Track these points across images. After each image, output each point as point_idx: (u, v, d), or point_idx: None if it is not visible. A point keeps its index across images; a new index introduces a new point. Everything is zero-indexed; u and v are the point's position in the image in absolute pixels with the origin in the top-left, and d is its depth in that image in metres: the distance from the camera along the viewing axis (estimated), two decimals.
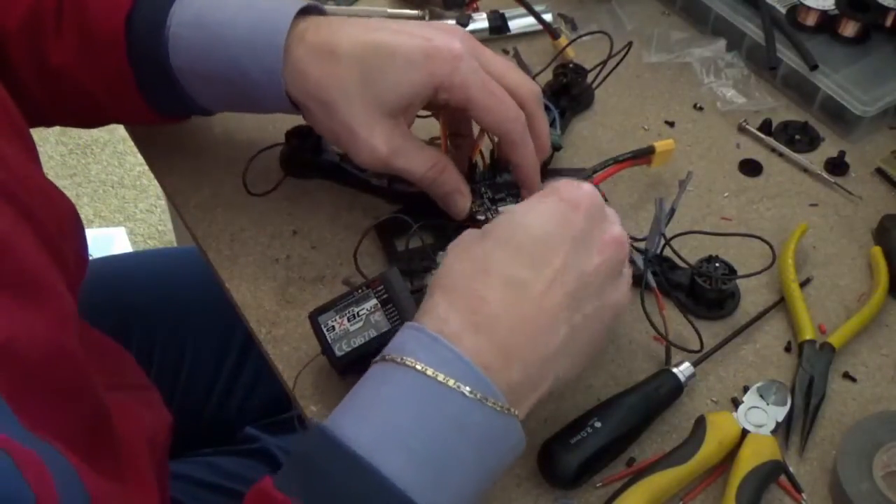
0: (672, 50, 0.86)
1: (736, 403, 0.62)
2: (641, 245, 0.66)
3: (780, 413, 0.60)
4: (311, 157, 0.73)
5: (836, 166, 0.77)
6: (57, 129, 1.33)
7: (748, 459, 0.57)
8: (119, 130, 0.76)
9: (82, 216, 2.14)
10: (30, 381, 0.45)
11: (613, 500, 0.56)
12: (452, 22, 0.85)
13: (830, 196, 0.76)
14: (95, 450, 0.51)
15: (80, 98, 0.66)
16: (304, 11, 0.62)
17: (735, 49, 0.85)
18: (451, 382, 0.48)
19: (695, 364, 0.62)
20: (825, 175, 0.76)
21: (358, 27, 0.61)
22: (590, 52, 0.83)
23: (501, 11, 0.86)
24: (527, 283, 0.51)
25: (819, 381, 0.63)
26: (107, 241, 1.90)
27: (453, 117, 0.66)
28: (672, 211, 0.66)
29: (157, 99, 0.66)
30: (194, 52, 0.62)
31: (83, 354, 0.52)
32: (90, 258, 0.66)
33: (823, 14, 0.83)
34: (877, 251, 0.70)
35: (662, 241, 0.67)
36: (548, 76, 0.81)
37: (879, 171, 0.77)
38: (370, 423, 0.48)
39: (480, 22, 0.86)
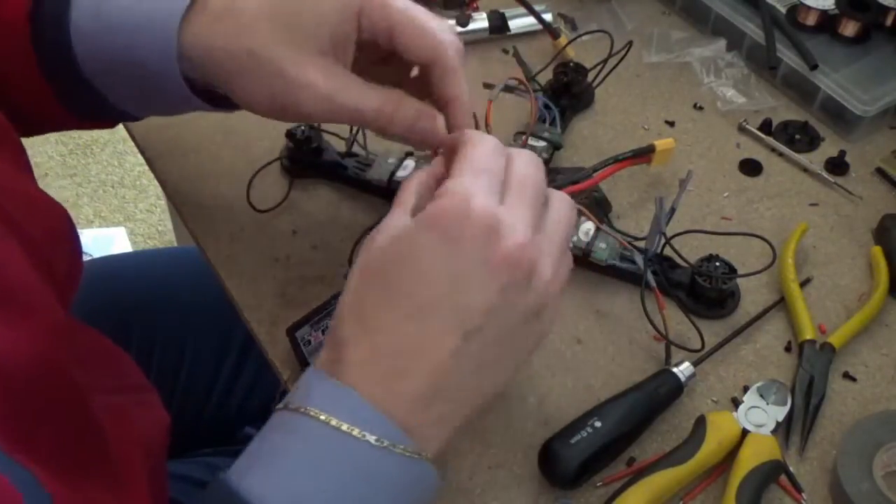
0: (672, 50, 0.86)
1: (736, 403, 0.62)
2: (642, 244, 0.66)
3: (780, 413, 0.60)
4: (312, 158, 0.73)
5: (837, 166, 0.77)
6: None
7: (748, 459, 0.57)
8: (119, 130, 0.76)
9: (82, 216, 2.13)
10: (15, 399, 0.45)
11: (613, 500, 0.56)
12: (452, 21, 0.85)
13: (830, 196, 0.76)
14: (82, 464, 0.51)
15: None
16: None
17: (735, 49, 0.85)
18: (355, 432, 0.46)
19: (695, 364, 0.62)
20: (825, 175, 0.76)
21: None
22: (590, 51, 0.83)
23: (501, 11, 0.86)
24: (410, 333, 0.47)
25: (819, 381, 0.63)
26: (107, 241, 1.91)
27: (374, 61, 0.61)
28: (672, 210, 0.66)
29: (68, 97, 0.62)
30: (95, 41, 0.58)
31: (73, 366, 0.51)
32: (91, 258, 0.65)
33: (823, 14, 0.83)
34: (877, 251, 0.70)
35: (663, 241, 0.67)
36: (548, 76, 0.81)
37: (879, 171, 0.77)
38: (277, 479, 0.46)
39: (480, 22, 0.86)
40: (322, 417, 0.46)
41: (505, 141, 0.73)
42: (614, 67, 0.80)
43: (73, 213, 0.62)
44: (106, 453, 0.55)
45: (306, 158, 0.73)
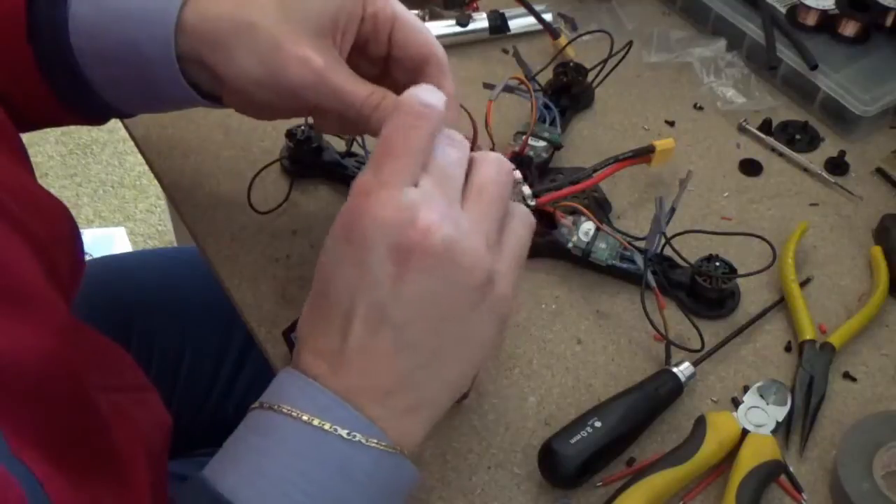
0: (672, 49, 0.86)
1: (736, 403, 0.62)
2: (641, 244, 0.66)
3: (780, 413, 0.60)
4: (312, 158, 0.73)
5: (837, 166, 0.77)
6: (57, 129, 1.33)
7: (748, 459, 0.57)
8: (119, 130, 0.76)
9: (82, 216, 2.13)
10: (22, 396, 0.45)
11: (613, 500, 0.56)
12: (452, 21, 0.85)
13: (830, 196, 0.76)
14: (87, 462, 0.51)
15: None
16: None
17: (735, 49, 0.85)
18: (327, 426, 0.46)
19: (695, 364, 0.62)
20: (825, 175, 0.76)
21: None
22: (590, 51, 0.83)
23: (501, 11, 0.86)
24: (340, 333, 0.47)
25: (819, 381, 0.63)
26: (107, 241, 1.91)
27: (371, 48, 0.61)
28: (672, 210, 0.66)
29: (62, 90, 0.61)
30: (92, 30, 0.58)
31: (78, 362, 0.51)
32: (91, 258, 0.65)
33: (823, 14, 0.83)
34: (877, 251, 0.70)
35: (663, 240, 0.67)
36: (548, 75, 0.81)
37: (879, 171, 0.77)
38: (255, 477, 0.46)
39: (480, 22, 0.86)
40: (294, 414, 0.46)
41: (505, 141, 0.74)
42: (614, 67, 0.80)
43: (73, 213, 0.62)
44: (111, 452, 0.55)
45: (306, 158, 0.73)
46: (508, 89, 0.73)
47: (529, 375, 0.64)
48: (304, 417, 0.46)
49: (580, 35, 0.84)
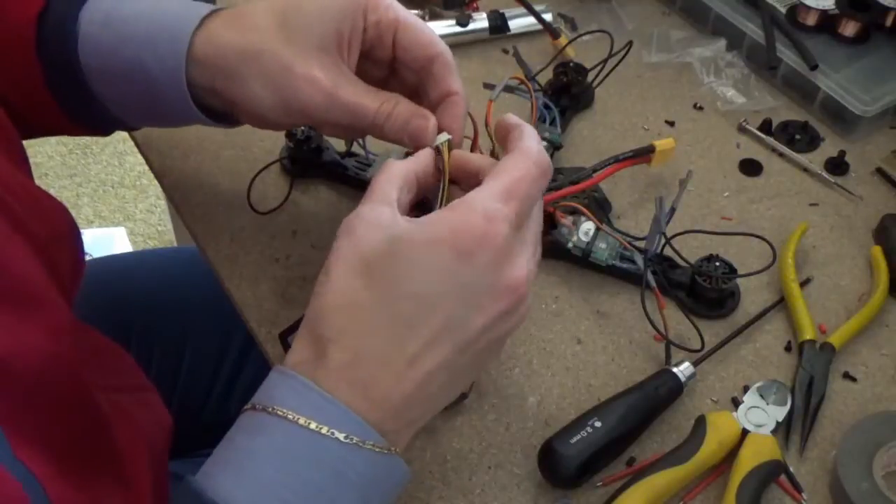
0: (672, 50, 0.86)
1: (736, 403, 0.62)
2: (641, 244, 0.66)
3: (780, 413, 0.60)
4: (312, 158, 0.73)
5: (836, 166, 0.77)
6: None
7: (748, 459, 0.57)
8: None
9: (82, 216, 2.12)
10: (25, 397, 0.45)
11: (613, 500, 0.56)
12: (452, 21, 0.85)
13: (830, 196, 0.76)
14: (89, 462, 0.51)
15: None
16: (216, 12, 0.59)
17: (735, 49, 0.85)
18: (324, 430, 0.46)
19: (695, 364, 0.62)
20: (825, 175, 0.76)
21: None
22: (590, 51, 0.83)
23: (501, 11, 0.86)
24: (403, 341, 0.47)
25: (819, 381, 0.63)
26: (107, 241, 1.90)
27: (378, 52, 0.62)
28: (672, 210, 0.66)
29: (69, 103, 0.63)
30: (102, 50, 0.59)
31: (79, 362, 0.51)
32: (91, 258, 0.65)
33: (823, 14, 0.83)
34: (877, 251, 0.70)
35: (663, 240, 0.67)
36: (548, 75, 0.81)
37: (879, 171, 0.77)
38: (245, 479, 0.46)
39: (480, 22, 0.86)
40: (290, 416, 0.46)
41: None
42: (614, 67, 0.80)
43: (73, 213, 0.62)
44: (112, 452, 0.55)
45: (306, 158, 0.73)
46: (508, 89, 0.72)
47: (529, 375, 0.64)
48: (301, 421, 0.46)
49: (580, 35, 0.84)
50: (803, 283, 0.69)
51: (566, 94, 0.80)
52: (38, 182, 0.60)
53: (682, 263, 0.68)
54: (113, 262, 1.02)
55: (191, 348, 0.91)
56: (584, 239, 0.67)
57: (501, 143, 0.54)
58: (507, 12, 0.86)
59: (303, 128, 0.73)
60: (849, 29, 0.82)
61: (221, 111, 0.61)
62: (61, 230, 0.59)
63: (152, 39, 0.58)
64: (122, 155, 2.12)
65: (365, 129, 0.58)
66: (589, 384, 0.63)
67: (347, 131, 0.62)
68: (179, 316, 0.91)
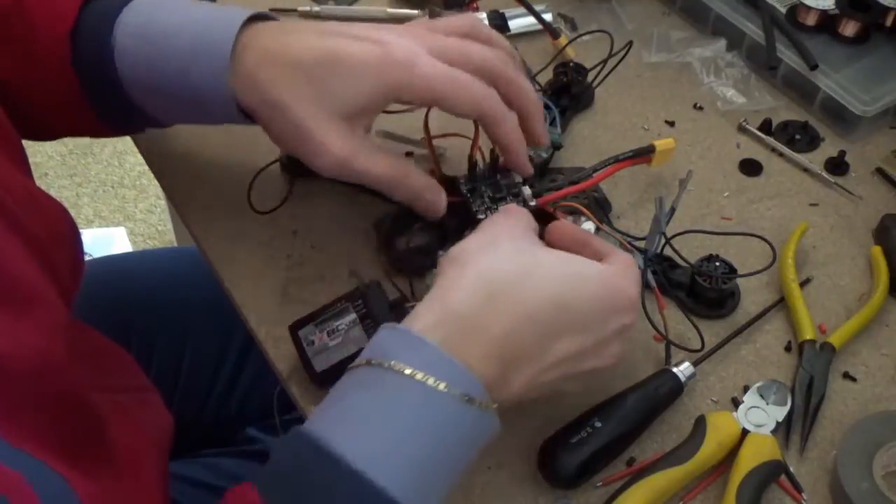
0: (672, 49, 0.86)
1: (736, 403, 0.62)
2: (641, 244, 0.66)
3: (780, 413, 0.60)
4: None
5: (836, 166, 0.77)
6: None
7: (748, 459, 0.57)
8: None
9: (82, 216, 2.12)
10: (17, 394, 0.45)
11: (613, 500, 0.56)
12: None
13: (830, 196, 0.76)
14: (86, 457, 0.51)
15: (29, 110, 0.64)
16: (253, 19, 0.61)
17: (735, 49, 0.85)
18: (441, 387, 0.47)
19: (695, 364, 0.62)
20: (825, 175, 0.76)
21: (309, 32, 0.60)
22: (590, 51, 0.83)
23: (501, 11, 0.86)
24: (548, 326, 0.52)
25: (819, 381, 0.63)
26: (107, 241, 1.90)
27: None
28: (672, 210, 0.66)
29: (105, 110, 0.64)
30: (140, 62, 0.61)
31: (72, 363, 0.51)
32: (91, 258, 0.65)
33: (823, 14, 0.83)
34: (877, 251, 0.70)
35: (663, 240, 0.67)
36: (548, 75, 0.81)
37: (879, 171, 0.77)
38: (362, 433, 0.47)
39: None
40: (407, 371, 0.47)
41: None
42: (614, 67, 0.80)
43: (73, 213, 0.62)
44: (113, 450, 0.55)
45: None
46: None
47: None
48: (418, 376, 0.47)
49: (580, 35, 0.84)
50: (803, 283, 0.69)
51: (566, 94, 0.80)
52: (38, 182, 0.60)
53: (682, 263, 0.68)
54: (113, 262, 1.02)
55: (191, 348, 0.91)
56: None
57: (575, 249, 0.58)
58: (507, 12, 0.86)
59: None
60: (849, 29, 0.82)
61: None
62: (60, 230, 0.59)
63: (194, 54, 0.59)
64: (122, 155, 2.12)
65: (377, 188, 0.62)
66: (589, 384, 0.63)
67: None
68: (179, 316, 0.91)
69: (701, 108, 0.82)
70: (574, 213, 0.68)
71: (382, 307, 0.58)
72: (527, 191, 0.66)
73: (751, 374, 0.64)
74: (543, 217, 0.65)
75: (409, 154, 0.74)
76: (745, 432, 0.59)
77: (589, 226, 0.67)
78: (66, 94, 0.63)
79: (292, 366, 0.63)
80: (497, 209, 0.65)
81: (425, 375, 0.47)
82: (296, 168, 0.74)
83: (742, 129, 0.80)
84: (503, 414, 0.60)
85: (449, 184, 0.66)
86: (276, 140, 0.62)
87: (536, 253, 0.54)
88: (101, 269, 0.93)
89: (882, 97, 0.78)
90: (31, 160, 0.62)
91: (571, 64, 0.82)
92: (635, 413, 0.60)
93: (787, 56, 0.81)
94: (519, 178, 0.66)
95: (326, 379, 0.59)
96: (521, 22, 0.87)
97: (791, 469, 0.59)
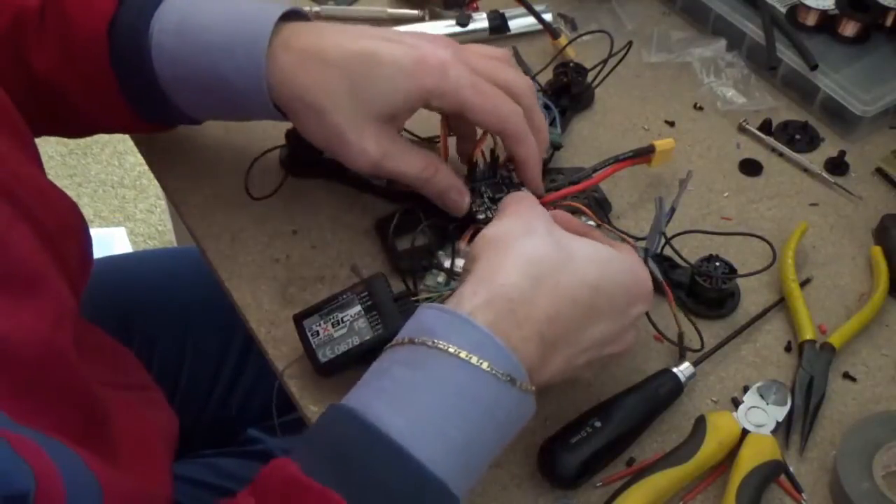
0: (672, 50, 0.86)
1: (736, 403, 0.62)
2: (642, 244, 0.66)
3: (780, 413, 0.60)
4: (311, 157, 0.73)
5: (836, 166, 0.77)
6: None
7: (748, 459, 0.57)
8: None
9: None
10: (22, 379, 0.45)
11: (613, 500, 0.56)
12: (452, 21, 0.85)
13: (830, 196, 0.76)
14: (97, 445, 0.51)
15: (64, 105, 0.65)
16: (286, 17, 0.62)
17: (735, 49, 0.85)
18: (485, 366, 0.48)
19: (695, 364, 0.62)
20: (825, 175, 0.76)
21: (344, 34, 0.61)
22: (590, 51, 0.83)
23: (501, 11, 0.86)
24: (586, 310, 0.53)
25: (819, 381, 0.63)
26: (107, 241, 1.90)
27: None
28: (672, 210, 0.66)
29: (142, 106, 0.66)
30: (176, 59, 0.62)
31: (77, 353, 0.51)
32: None
33: (823, 14, 0.83)
34: (877, 251, 0.70)
35: (663, 241, 0.67)
36: (548, 76, 0.81)
37: (879, 171, 0.77)
38: (407, 409, 0.48)
39: (480, 22, 0.86)
40: (451, 350, 0.48)
41: None
42: (614, 67, 0.80)
43: None
44: (118, 441, 0.55)
45: (306, 158, 0.73)
46: None
47: None
48: (462, 355, 0.48)
49: (580, 35, 0.84)
50: (803, 283, 0.69)
51: (566, 95, 0.80)
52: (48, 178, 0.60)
53: (682, 263, 0.68)
54: (113, 263, 1.02)
55: (191, 349, 0.91)
56: None
57: None
58: (507, 12, 0.86)
59: None
60: (849, 29, 0.82)
61: None
62: (70, 224, 0.59)
63: (230, 51, 0.60)
64: (122, 155, 2.12)
65: (408, 184, 0.64)
66: (589, 384, 0.63)
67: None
68: (180, 316, 0.91)
69: (701, 109, 0.82)
70: (575, 212, 0.68)
71: (388, 300, 0.59)
72: (527, 191, 0.66)
73: (751, 374, 0.64)
74: None
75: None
76: (745, 432, 0.59)
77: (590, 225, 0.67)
78: (103, 89, 0.64)
79: (292, 365, 0.63)
80: (496, 209, 0.65)
81: (469, 354, 0.48)
82: (296, 168, 0.74)
83: (742, 129, 0.80)
84: None
85: None
86: (309, 137, 0.63)
87: (570, 239, 0.55)
88: (102, 269, 0.92)
89: (882, 97, 0.78)
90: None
91: (571, 64, 0.82)
92: (635, 413, 0.60)
93: (787, 56, 0.81)
94: (518, 178, 0.67)
95: (331, 370, 0.59)
96: (521, 22, 0.87)
97: (791, 469, 0.59)
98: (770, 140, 0.79)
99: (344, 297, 0.60)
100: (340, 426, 0.48)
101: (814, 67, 0.79)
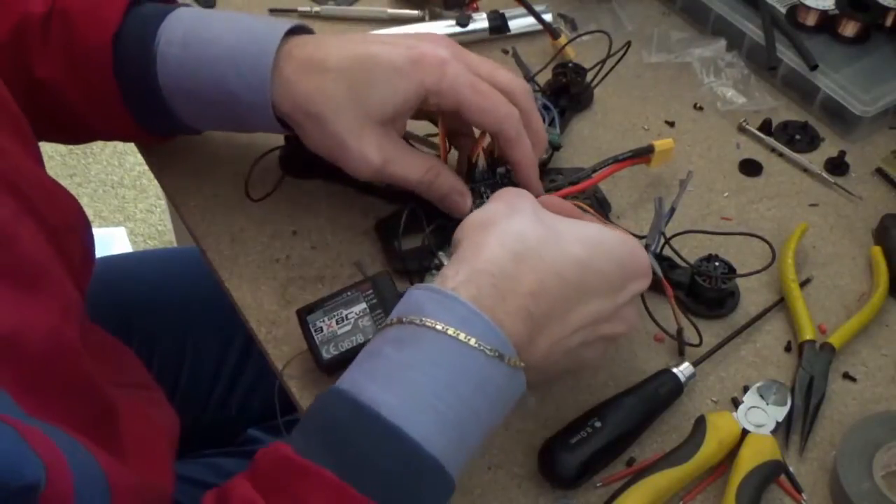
0: (672, 50, 0.86)
1: (736, 403, 0.62)
2: (642, 244, 0.66)
3: (780, 413, 0.60)
4: (311, 158, 0.73)
5: (836, 166, 0.77)
6: None
7: (748, 459, 0.57)
8: None
9: None
10: (31, 372, 0.45)
11: (613, 500, 0.56)
12: (452, 21, 0.85)
13: (830, 196, 0.76)
14: (104, 437, 0.51)
15: (65, 112, 0.66)
16: (292, 31, 0.62)
17: (735, 49, 0.85)
18: (472, 342, 0.48)
19: (695, 364, 0.62)
20: (825, 175, 0.76)
21: (344, 42, 0.62)
22: (590, 51, 0.83)
23: (501, 11, 0.86)
24: (574, 286, 0.52)
25: (819, 381, 0.63)
26: (107, 241, 1.90)
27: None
28: (672, 210, 0.66)
29: (144, 116, 0.66)
30: (181, 71, 0.62)
31: (84, 348, 0.52)
32: None
33: (823, 14, 0.83)
34: (877, 251, 0.70)
35: (662, 240, 0.67)
36: (547, 76, 0.81)
37: (879, 171, 0.77)
38: (397, 387, 0.48)
39: (480, 22, 0.86)
40: (439, 327, 0.49)
41: None
42: (613, 67, 0.80)
43: None
44: (126, 437, 0.56)
45: (306, 159, 0.73)
46: None
47: None
48: (450, 332, 0.48)
49: (580, 35, 0.84)
50: (803, 283, 0.69)
51: (565, 95, 0.80)
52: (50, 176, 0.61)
53: (682, 263, 0.68)
54: (113, 263, 1.02)
55: (191, 349, 0.91)
56: None
57: None
58: (507, 12, 0.86)
59: None
60: (849, 29, 0.82)
61: None
62: (73, 220, 0.60)
63: (236, 64, 0.61)
64: (122, 155, 2.12)
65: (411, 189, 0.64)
66: (589, 384, 0.63)
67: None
68: (180, 317, 0.91)
69: (701, 109, 0.82)
70: None
71: (394, 298, 0.59)
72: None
73: (751, 374, 0.64)
74: None
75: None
76: (745, 432, 0.59)
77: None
78: (106, 99, 0.64)
79: (292, 364, 0.63)
80: None
81: (456, 331, 0.48)
82: (296, 168, 0.74)
83: (742, 130, 0.80)
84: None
85: None
86: (312, 146, 0.63)
87: (558, 220, 0.55)
88: (102, 269, 0.92)
89: (882, 97, 0.78)
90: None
91: (571, 64, 0.82)
92: (635, 413, 0.60)
93: (787, 56, 0.81)
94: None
95: (333, 368, 0.59)
96: (521, 22, 0.87)
97: (791, 469, 0.59)
98: (770, 140, 0.79)
99: (348, 293, 0.60)
100: (334, 408, 0.48)
101: (814, 67, 0.79)
